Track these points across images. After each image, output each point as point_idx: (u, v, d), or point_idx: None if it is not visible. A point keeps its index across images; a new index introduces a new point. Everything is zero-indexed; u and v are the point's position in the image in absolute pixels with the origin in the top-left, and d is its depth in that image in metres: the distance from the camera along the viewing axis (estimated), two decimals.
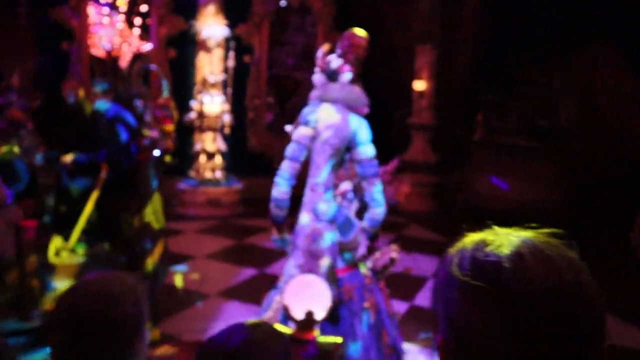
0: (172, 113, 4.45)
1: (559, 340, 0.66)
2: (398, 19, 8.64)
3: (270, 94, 9.11)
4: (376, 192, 3.10)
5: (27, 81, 7.34)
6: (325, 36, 8.73)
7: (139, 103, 4.00)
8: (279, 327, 1.73)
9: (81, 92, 4.20)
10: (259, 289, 4.83)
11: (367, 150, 3.09)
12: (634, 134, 6.51)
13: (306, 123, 3.06)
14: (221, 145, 8.05)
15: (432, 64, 8.44)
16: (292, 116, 9.03)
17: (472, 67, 8.41)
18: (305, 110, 3.11)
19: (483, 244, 0.74)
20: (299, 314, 2.52)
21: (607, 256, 6.39)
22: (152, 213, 4.15)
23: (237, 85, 8.11)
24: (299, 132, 3.07)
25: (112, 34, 7.70)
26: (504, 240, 0.74)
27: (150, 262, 3.98)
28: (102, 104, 4.05)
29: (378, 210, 3.11)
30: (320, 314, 2.54)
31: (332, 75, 3.14)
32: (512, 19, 7.61)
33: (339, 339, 2.57)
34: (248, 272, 5.59)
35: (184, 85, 8.10)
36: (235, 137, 8.42)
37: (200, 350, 1.18)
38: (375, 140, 3.15)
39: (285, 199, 3.06)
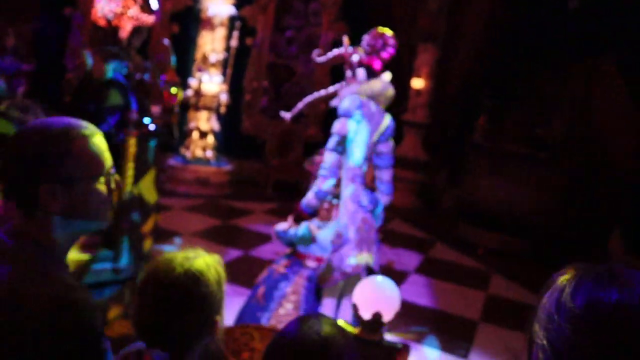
0: (177, 90, 4.45)
1: None
2: (403, 15, 8.67)
3: (266, 78, 9.11)
4: (389, 181, 3.25)
5: (24, 44, 7.27)
6: (330, 26, 8.74)
7: (147, 77, 4.01)
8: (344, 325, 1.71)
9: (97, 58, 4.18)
10: (244, 270, 4.91)
11: (390, 143, 3.23)
12: (622, 148, 6.65)
13: (351, 117, 3.05)
14: (215, 125, 8.07)
15: (432, 63, 8.51)
16: (287, 102, 9.04)
17: (472, 70, 8.48)
18: (350, 104, 3.07)
19: (604, 278, 0.70)
20: (366, 314, 2.49)
21: (583, 261, 6.54)
22: (142, 187, 4.14)
23: (236, 67, 8.10)
24: (343, 125, 3.05)
25: (115, 2, 7.64)
26: (628, 278, 0.70)
27: (148, 244, 3.99)
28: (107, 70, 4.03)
29: (387, 198, 3.28)
30: (388, 317, 2.50)
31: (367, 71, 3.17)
32: (515, 28, 7.69)
33: (400, 344, 2.55)
34: (233, 253, 5.65)
35: (183, 62, 8.07)
36: (229, 119, 8.43)
37: (272, 344, 1.16)
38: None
39: (330, 192, 3.08)
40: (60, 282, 1.14)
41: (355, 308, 2.52)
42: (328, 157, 3.06)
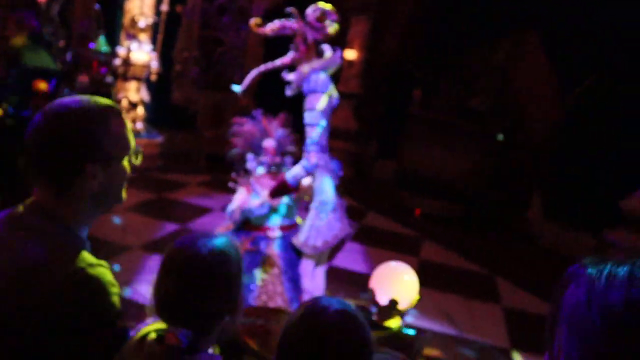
0: (108, 59, 4.27)
1: None
2: None
3: (197, 48, 8.87)
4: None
5: None
6: None
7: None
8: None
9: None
10: None
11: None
12: (542, 119, 7.04)
13: (327, 92, 3.09)
14: (145, 95, 7.80)
15: (365, 35, 8.58)
16: (219, 73, 8.80)
17: (404, 43, 8.63)
18: (324, 79, 3.11)
19: (633, 274, 0.68)
20: (383, 300, 2.49)
21: (509, 228, 6.98)
22: None
23: (166, 36, 7.83)
24: (324, 101, 3.08)
25: None
26: None
27: None
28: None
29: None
30: (404, 303, 2.51)
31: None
32: (445, 2, 7.88)
33: (417, 331, 2.59)
34: (170, 227, 5.56)
35: (110, 30, 7.70)
36: (159, 89, 8.17)
37: (289, 326, 1.15)
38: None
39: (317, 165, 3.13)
40: (83, 259, 1.16)
41: (371, 294, 2.53)
42: (315, 132, 3.08)
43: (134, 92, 7.70)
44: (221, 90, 8.68)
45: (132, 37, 7.53)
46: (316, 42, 3.18)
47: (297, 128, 3.38)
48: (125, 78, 7.61)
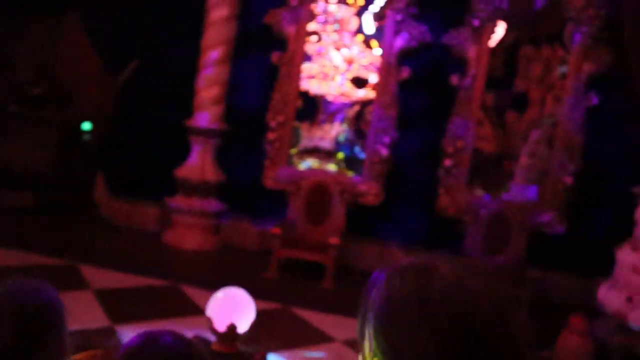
0: None
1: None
2: None
3: None
4: None
5: None
6: None
7: None
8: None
9: None
10: None
11: None
12: (96, 100, 7.16)
13: None
14: None
15: None
16: None
17: None
18: None
19: (421, 271, 0.78)
20: (221, 327, 2.54)
21: (80, 212, 6.94)
22: None
23: None
24: None
25: None
26: (442, 267, 0.78)
27: None
28: None
29: None
30: (243, 327, 2.58)
31: None
32: None
33: (256, 352, 2.67)
34: None
35: None
36: None
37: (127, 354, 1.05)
38: None
39: None
40: None
41: (209, 322, 2.56)
42: None
43: None
44: None
45: None
46: None
47: None
48: None
